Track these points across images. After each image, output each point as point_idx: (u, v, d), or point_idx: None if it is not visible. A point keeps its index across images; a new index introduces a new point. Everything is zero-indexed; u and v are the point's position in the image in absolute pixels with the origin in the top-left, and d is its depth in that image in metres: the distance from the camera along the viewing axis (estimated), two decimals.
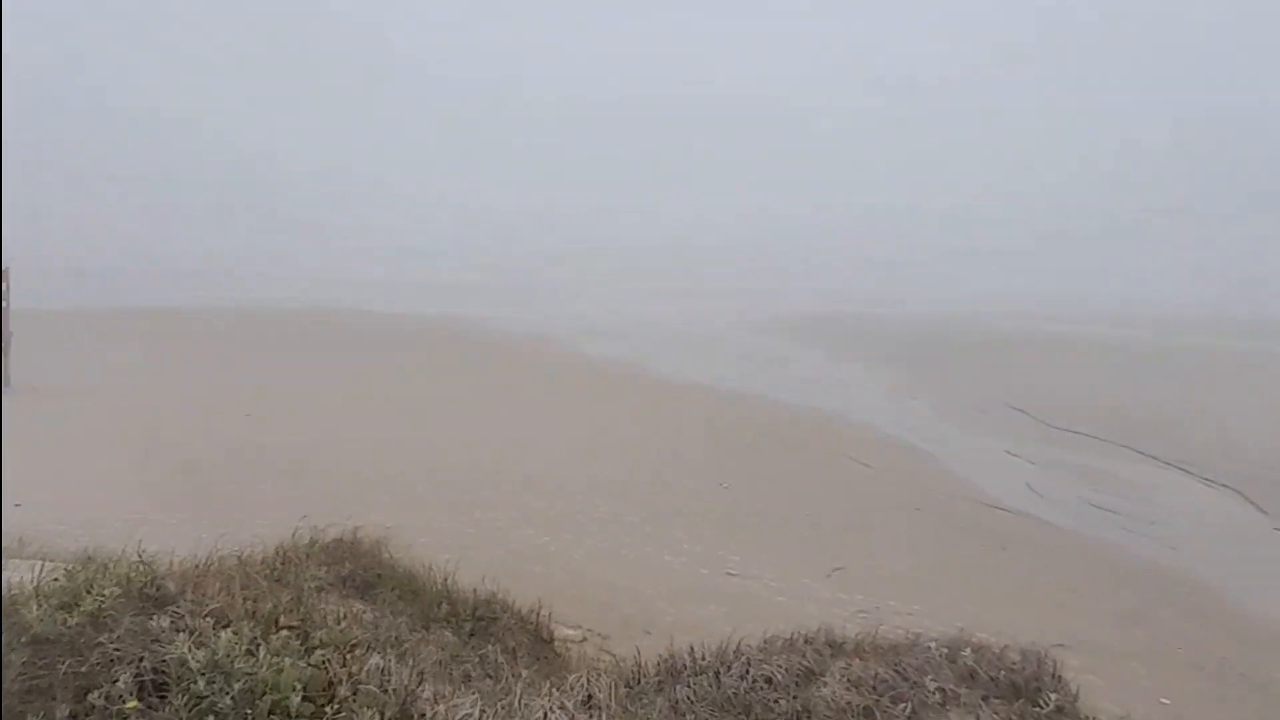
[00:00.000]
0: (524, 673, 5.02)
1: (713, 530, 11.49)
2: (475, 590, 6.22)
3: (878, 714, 4.14)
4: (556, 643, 6.55)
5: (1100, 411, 22.70)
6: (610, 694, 4.16)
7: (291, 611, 4.31)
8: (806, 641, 5.13)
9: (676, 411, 21.65)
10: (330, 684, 3.65)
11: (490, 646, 5.25)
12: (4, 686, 3.20)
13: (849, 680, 4.46)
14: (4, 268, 20.48)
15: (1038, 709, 4.42)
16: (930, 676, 4.49)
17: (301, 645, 3.87)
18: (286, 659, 3.58)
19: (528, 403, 22.23)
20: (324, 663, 3.74)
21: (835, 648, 5.07)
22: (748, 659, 4.77)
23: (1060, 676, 4.80)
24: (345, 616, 4.70)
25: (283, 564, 5.43)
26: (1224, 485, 15.48)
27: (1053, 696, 4.46)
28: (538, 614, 6.43)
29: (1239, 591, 10.44)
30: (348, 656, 3.91)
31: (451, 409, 20.77)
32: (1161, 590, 10.36)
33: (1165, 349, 42.40)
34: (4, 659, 3.28)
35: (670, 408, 22.26)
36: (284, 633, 3.90)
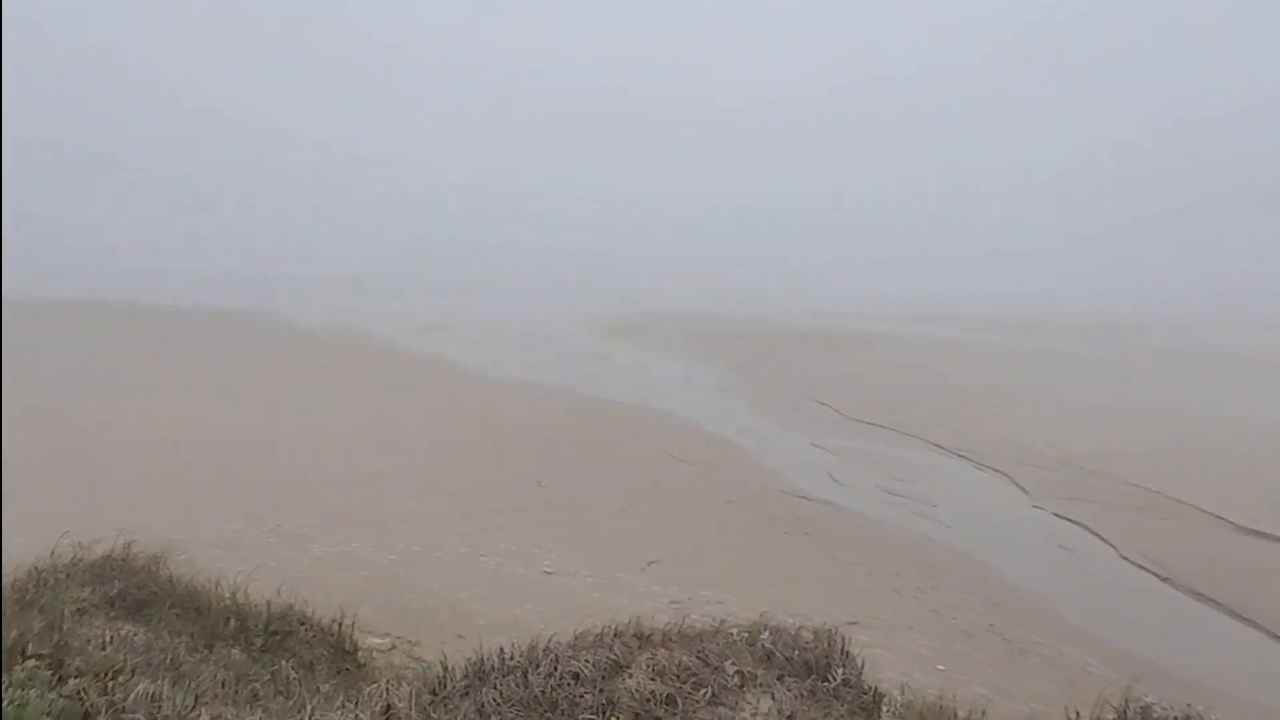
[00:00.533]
0: (323, 687, 4.76)
1: (530, 528, 11.42)
2: (270, 603, 5.82)
3: (679, 701, 4.26)
4: (361, 653, 6.26)
5: (897, 404, 24.64)
6: (411, 702, 4.02)
7: (43, 639, 3.84)
8: (616, 635, 5.19)
9: (496, 409, 21.37)
10: (87, 715, 3.29)
11: (284, 662, 4.93)
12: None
13: (654, 670, 4.56)
14: None
15: (826, 684, 4.72)
16: (730, 661, 4.68)
17: (53, 675, 3.47)
18: (32, 691, 3.19)
19: (341, 401, 21.17)
20: (80, 693, 3.37)
21: (643, 639, 5.17)
22: (556, 656, 4.76)
23: (848, 652, 5.14)
24: (111, 641, 4.26)
25: (36, 586, 4.84)
26: (994, 469, 17.22)
27: (840, 671, 4.78)
28: (340, 624, 6.11)
29: (1004, 563, 11.66)
30: (110, 684, 3.54)
31: (253, 408, 19.39)
32: (941, 566, 11.37)
33: (960, 346, 46.70)
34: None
35: (490, 405, 21.95)
36: (30, 663, 3.48)
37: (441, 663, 4.92)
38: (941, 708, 5.24)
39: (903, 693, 5.03)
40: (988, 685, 7.61)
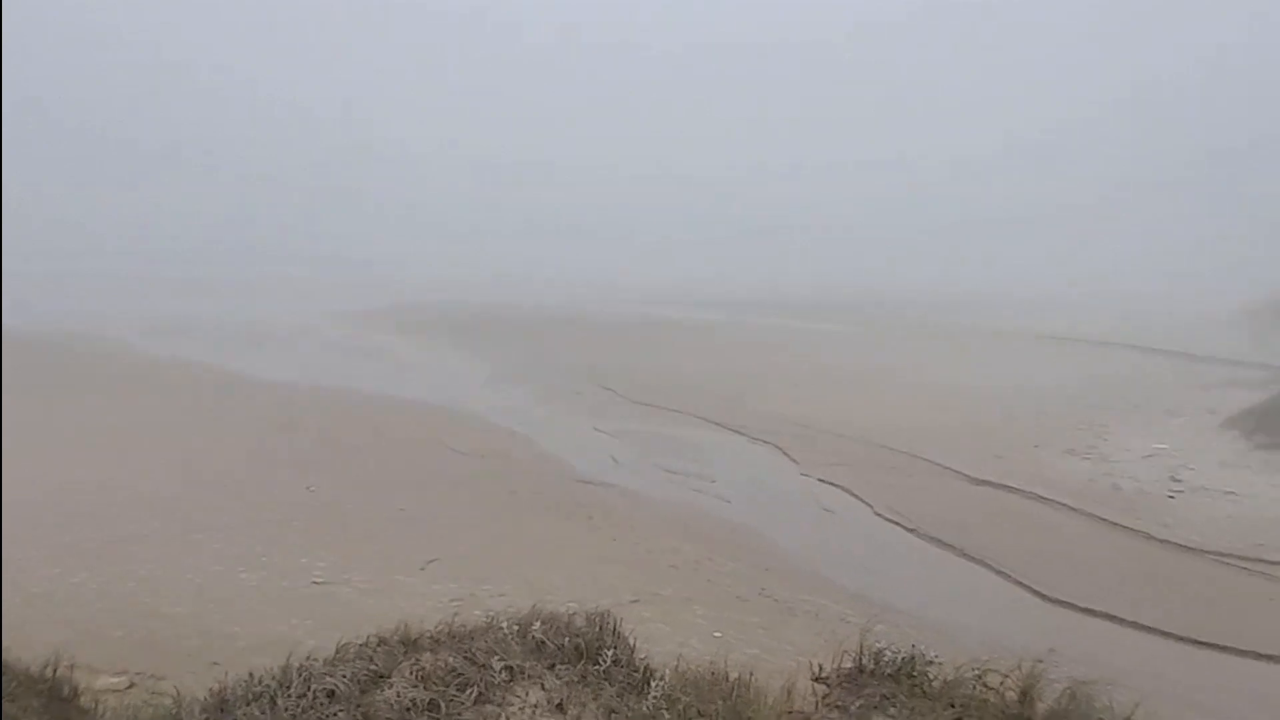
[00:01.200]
0: None
1: (297, 537, 10.62)
2: None
3: (443, 705, 4.07)
4: (85, 697, 5.48)
5: (677, 386, 25.51)
6: None
7: None
8: (380, 643, 4.90)
9: (252, 411, 19.73)
10: None
11: None
12: None
13: (417, 676, 4.34)
14: None
15: (597, 666, 4.71)
16: (498, 657, 4.55)
17: None
18: None
19: (62, 412, 18.61)
20: None
21: (410, 644, 4.91)
22: (310, 674, 4.40)
23: (619, 633, 5.17)
24: None
25: None
26: (766, 442, 18.30)
27: (610, 653, 4.79)
28: (55, 668, 5.30)
29: (775, 529, 12.43)
30: None
31: None
32: (718, 537, 11.91)
33: (734, 328, 49.24)
34: None
35: (244, 407, 20.23)
36: None
37: (174, 697, 4.41)
38: (714, 673, 5.42)
39: (678, 663, 5.13)
40: (759, 646, 8.04)
